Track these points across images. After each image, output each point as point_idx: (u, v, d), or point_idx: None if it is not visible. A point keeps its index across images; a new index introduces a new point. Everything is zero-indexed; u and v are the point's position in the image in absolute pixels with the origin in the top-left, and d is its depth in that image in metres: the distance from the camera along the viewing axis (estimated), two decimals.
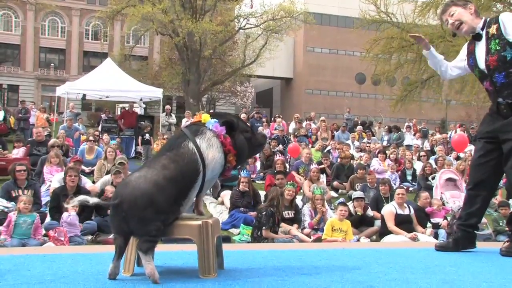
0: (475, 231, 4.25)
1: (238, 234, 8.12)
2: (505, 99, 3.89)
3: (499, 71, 3.86)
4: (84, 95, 18.81)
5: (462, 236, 4.17)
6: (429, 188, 10.56)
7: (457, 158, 14.02)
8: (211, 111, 27.30)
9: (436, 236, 8.02)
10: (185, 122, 17.30)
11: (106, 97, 19.63)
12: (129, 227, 2.73)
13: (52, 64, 44.61)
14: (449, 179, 10.32)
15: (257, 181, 11.41)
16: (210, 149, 2.97)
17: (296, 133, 17.08)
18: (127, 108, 18.20)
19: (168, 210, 2.78)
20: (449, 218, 8.52)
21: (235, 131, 3.13)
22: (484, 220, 7.79)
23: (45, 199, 8.39)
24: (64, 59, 45.49)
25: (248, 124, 3.41)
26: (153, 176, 2.77)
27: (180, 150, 2.91)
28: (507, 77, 3.83)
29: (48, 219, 7.50)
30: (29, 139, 13.37)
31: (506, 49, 3.80)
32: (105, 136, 13.79)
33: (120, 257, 2.79)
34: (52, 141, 11.27)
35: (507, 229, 4.67)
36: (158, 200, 2.71)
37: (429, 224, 8.47)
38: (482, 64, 3.95)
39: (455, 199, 9.60)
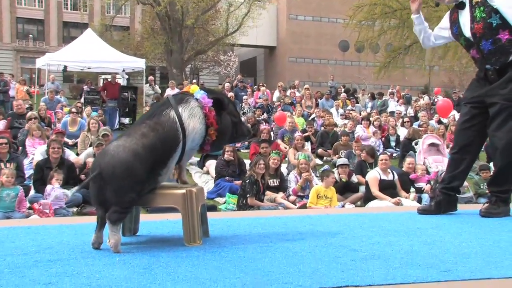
0: (457, 194, 4.32)
1: (224, 203, 8.17)
2: (493, 65, 3.92)
3: (486, 38, 3.87)
4: (65, 67, 18.57)
5: (444, 199, 4.24)
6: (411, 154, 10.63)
7: (439, 122, 14.12)
8: (193, 81, 26.99)
9: (419, 200, 8.12)
10: (168, 91, 17.17)
11: (88, 68, 19.40)
12: (105, 197, 2.72)
13: (30, 35, 43.59)
14: (432, 144, 10.40)
15: (241, 150, 11.42)
16: (192, 118, 2.93)
17: (281, 102, 17.06)
18: (109, 79, 17.98)
19: (146, 179, 2.77)
20: (432, 183, 8.63)
21: (224, 110, 3.09)
22: (465, 183, 7.90)
23: (28, 172, 8.33)
24: (43, 30, 44.48)
25: (239, 113, 3.36)
26: (132, 145, 2.74)
27: (160, 118, 2.87)
28: (494, 44, 3.85)
29: (32, 192, 7.46)
30: (10, 112, 13.19)
31: (492, 16, 3.80)
32: (87, 108, 13.65)
33: (102, 227, 2.80)
34: (29, 113, 11.12)
35: (487, 191, 4.75)
36: (136, 169, 2.70)
37: (412, 189, 8.56)
38: (468, 32, 3.95)
39: (438, 164, 9.71)
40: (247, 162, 9.45)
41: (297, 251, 2.75)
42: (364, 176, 8.78)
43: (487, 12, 3.81)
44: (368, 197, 8.14)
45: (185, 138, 2.90)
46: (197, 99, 2.99)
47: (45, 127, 11.13)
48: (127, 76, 21.50)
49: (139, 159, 2.71)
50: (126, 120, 15.45)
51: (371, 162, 9.21)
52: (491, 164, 8.66)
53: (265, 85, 20.63)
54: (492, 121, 3.97)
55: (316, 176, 9.23)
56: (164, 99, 3.26)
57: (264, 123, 12.61)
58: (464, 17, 3.97)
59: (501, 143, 3.94)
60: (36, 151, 8.74)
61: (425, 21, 4.38)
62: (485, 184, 8.08)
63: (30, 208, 6.90)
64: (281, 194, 8.19)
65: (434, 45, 4.52)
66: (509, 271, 2.36)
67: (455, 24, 4.07)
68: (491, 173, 5.39)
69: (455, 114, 13.81)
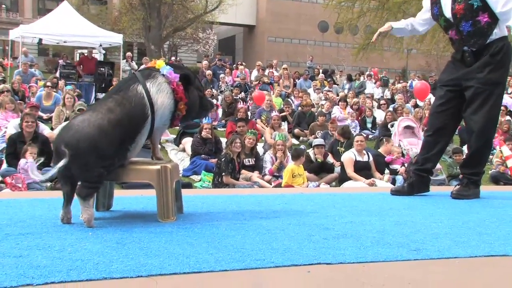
0: (429, 176, 4.39)
1: (199, 181, 8.16)
2: (471, 47, 3.96)
3: (466, 20, 3.90)
4: (40, 40, 18.21)
5: (417, 181, 4.31)
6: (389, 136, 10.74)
7: (416, 106, 14.27)
8: (172, 58, 26.74)
9: (393, 182, 8.22)
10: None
11: (64, 42, 19.05)
12: (72, 172, 2.70)
13: (3, 6, 42.35)
14: (407, 127, 10.51)
15: (218, 128, 11.40)
16: (160, 94, 2.91)
17: (259, 81, 17.01)
18: (86, 54, 17.70)
19: (113, 155, 2.74)
20: (406, 165, 8.73)
21: (191, 85, 3.09)
22: (438, 166, 8.01)
23: (0, 145, 8.20)
24: (16, 0, 43.31)
25: (203, 87, 3.37)
26: (97, 120, 2.70)
27: (127, 93, 2.84)
28: (473, 26, 3.89)
29: (4, 165, 7.35)
30: None
31: None
32: (61, 82, 13.45)
33: (68, 203, 2.79)
34: (1, 86, 10.89)
35: (459, 170, 4.85)
36: (102, 144, 2.67)
37: (387, 171, 8.66)
38: (448, 13, 3.98)
39: (413, 146, 9.82)
40: (223, 140, 9.44)
41: (270, 228, 2.77)
42: (335, 154, 8.88)
43: None
44: (343, 178, 8.21)
45: (153, 113, 2.89)
46: (163, 75, 2.97)
47: (19, 101, 10.93)
48: (104, 51, 21.18)
49: (105, 134, 2.68)
50: (102, 96, 15.23)
51: (343, 141, 9.28)
52: (464, 148, 8.81)
53: (243, 63, 20.53)
54: (469, 105, 4.03)
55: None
56: (131, 74, 3.22)
57: (241, 102, 12.60)
58: None
59: (477, 126, 4.02)
60: (9, 125, 8.59)
61: (400, 23, 4.44)
62: (457, 167, 8.21)
63: (2, 182, 6.80)
64: (256, 173, 8.21)
65: (424, 31, 4.57)
66: (475, 250, 2.42)
67: (436, 4, 4.10)
68: (464, 156, 5.50)
69: (431, 98, 13.96)
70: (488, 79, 3.93)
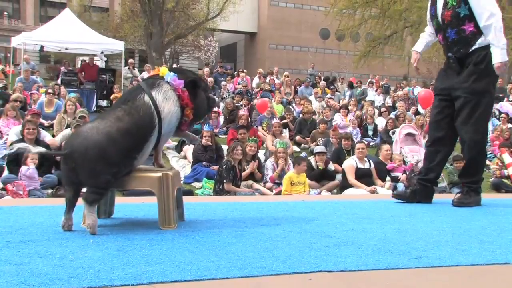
0: (433, 186, 4.38)
1: (201, 188, 8.16)
2: (454, 54, 4.00)
3: (452, 27, 3.94)
4: (42, 47, 18.26)
5: (421, 190, 4.30)
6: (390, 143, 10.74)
7: (417, 113, 14.26)
8: (173, 66, 26.81)
9: (394, 189, 8.18)
10: (145, 75, 17.00)
11: (66, 49, 19.12)
12: (78, 178, 2.72)
13: (5, 13, 42.49)
14: (409, 134, 10.50)
15: (220, 136, 11.40)
16: (166, 102, 2.93)
17: (260, 88, 17.04)
18: (87, 61, 17.75)
19: (120, 162, 2.77)
20: (407, 173, 8.73)
21: (199, 88, 3.12)
22: None
23: (2, 152, 8.20)
24: (18, 7, 43.27)
25: (208, 85, 3.42)
26: (106, 128, 2.74)
27: (135, 103, 2.87)
28: (458, 34, 3.93)
29: (5, 172, 7.36)
30: None
31: (461, 6, 3.87)
32: (62, 89, 13.49)
33: (71, 209, 2.79)
34: (15, 95, 10.97)
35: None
36: (110, 152, 2.70)
37: (388, 178, 8.66)
38: (439, 16, 4.02)
39: (414, 154, 9.81)
40: (224, 147, 9.44)
41: (271, 236, 2.76)
42: (341, 163, 8.85)
43: (458, 1, 3.88)
44: (344, 185, 8.21)
45: (160, 122, 2.91)
46: (168, 82, 2.99)
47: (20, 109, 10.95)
48: (105, 58, 21.23)
49: (113, 142, 2.71)
50: (103, 103, 15.26)
51: (349, 149, 9.27)
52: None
53: (245, 71, 20.57)
54: (458, 115, 4.06)
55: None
56: (136, 84, 3.26)
57: (243, 109, 12.61)
58: (440, 1, 4.03)
59: (467, 136, 4.04)
60: (10, 132, 8.61)
61: (423, 42, 4.46)
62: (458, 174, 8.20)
63: (3, 189, 6.81)
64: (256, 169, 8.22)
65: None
66: (477, 258, 2.41)
67: (433, 5, 4.14)
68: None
69: None
70: (473, 89, 3.95)
